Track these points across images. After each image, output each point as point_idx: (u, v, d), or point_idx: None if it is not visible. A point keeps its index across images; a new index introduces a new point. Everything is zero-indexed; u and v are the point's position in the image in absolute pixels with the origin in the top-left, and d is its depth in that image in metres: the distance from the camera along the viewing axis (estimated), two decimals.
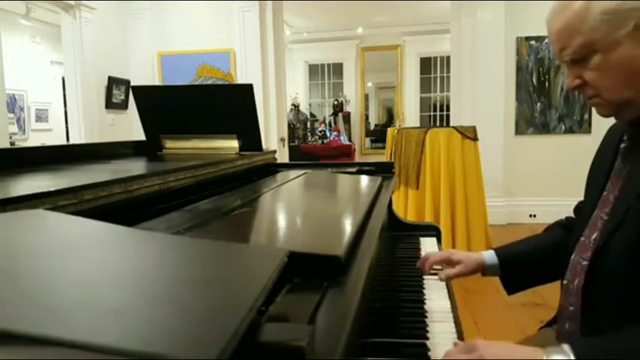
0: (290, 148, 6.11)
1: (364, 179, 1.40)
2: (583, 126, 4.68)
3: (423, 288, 1.11)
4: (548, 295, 2.40)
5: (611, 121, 0.94)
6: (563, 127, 4.71)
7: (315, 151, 8.41)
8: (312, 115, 9.80)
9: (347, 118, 9.20)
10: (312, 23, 8.39)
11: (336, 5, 6.90)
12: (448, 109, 6.43)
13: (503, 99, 4.65)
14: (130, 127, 4.79)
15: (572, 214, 1.13)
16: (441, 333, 0.90)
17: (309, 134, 9.18)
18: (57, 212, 0.62)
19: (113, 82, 4.63)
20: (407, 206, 3.57)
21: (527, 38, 4.64)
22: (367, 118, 9.78)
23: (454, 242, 3.47)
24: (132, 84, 4.48)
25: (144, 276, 0.43)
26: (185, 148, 1.61)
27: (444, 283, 1.14)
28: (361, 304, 0.55)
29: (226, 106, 1.55)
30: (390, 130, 4.00)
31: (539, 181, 4.71)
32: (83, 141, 4.19)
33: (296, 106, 8.94)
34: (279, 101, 4.87)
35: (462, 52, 4.78)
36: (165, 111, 1.60)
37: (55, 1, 4.22)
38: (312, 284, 0.55)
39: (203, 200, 0.95)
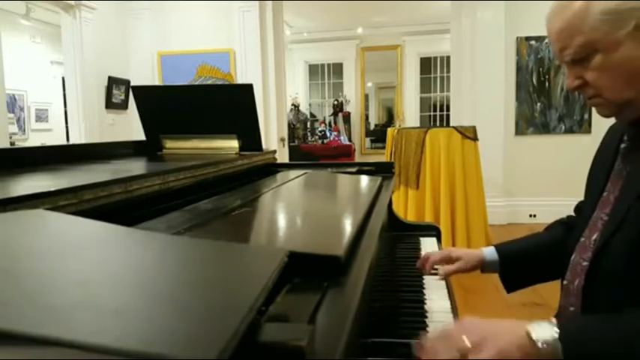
0: (290, 148, 6.11)
1: (364, 179, 1.40)
2: (583, 126, 4.68)
3: (423, 288, 1.11)
4: (548, 295, 2.40)
5: (611, 121, 0.94)
6: (563, 127, 4.71)
7: (315, 151, 8.41)
8: (312, 115, 9.79)
9: (347, 118, 9.19)
10: (312, 23, 8.39)
11: (336, 5, 6.90)
12: (448, 109, 6.43)
13: (503, 99, 4.65)
14: (130, 127, 4.79)
15: (572, 214, 1.13)
16: None
17: (309, 134, 9.17)
18: (57, 212, 0.62)
19: (113, 82, 4.63)
20: (407, 206, 3.57)
21: (527, 38, 4.64)
22: (367, 118, 9.77)
23: (454, 242, 3.48)
24: (132, 84, 4.48)
25: (144, 276, 0.43)
26: (185, 148, 1.61)
27: (444, 283, 1.14)
28: (361, 304, 0.55)
29: (226, 106, 1.55)
30: (390, 130, 4.00)
31: (539, 181, 4.71)
32: (83, 141, 4.19)
33: (296, 106, 8.94)
34: (279, 101, 4.87)
35: (462, 52, 4.78)
36: (165, 111, 1.60)
37: (55, 1, 4.22)
38: (312, 284, 0.55)
39: (203, 200, 0.95)
